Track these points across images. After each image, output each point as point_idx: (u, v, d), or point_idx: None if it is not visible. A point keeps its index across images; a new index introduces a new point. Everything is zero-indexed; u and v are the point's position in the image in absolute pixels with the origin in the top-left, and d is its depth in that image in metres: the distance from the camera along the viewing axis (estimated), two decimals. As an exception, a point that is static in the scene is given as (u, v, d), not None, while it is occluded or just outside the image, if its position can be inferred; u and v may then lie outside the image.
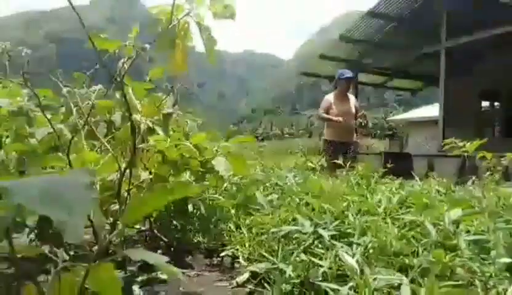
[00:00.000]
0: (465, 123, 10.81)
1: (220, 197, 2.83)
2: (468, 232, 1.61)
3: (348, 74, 5.44)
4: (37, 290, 0.67)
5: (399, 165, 3.58)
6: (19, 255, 0.96)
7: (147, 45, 1.32)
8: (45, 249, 0.84)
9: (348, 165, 2.99)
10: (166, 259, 0.59)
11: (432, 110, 20.26)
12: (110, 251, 1.55)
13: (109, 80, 1.58)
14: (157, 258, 0.59)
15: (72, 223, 0.39)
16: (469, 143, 1.84)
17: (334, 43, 11.61)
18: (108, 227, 1.66)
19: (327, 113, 5.39)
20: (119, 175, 1.63)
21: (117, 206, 1.60)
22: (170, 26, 1.32)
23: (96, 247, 0.86)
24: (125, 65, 1.39)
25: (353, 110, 5.44)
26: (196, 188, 0.68)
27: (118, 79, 1.37)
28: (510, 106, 12.62)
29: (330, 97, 5.49)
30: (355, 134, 5.54)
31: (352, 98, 5.56)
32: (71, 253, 1.95)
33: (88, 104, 1.77)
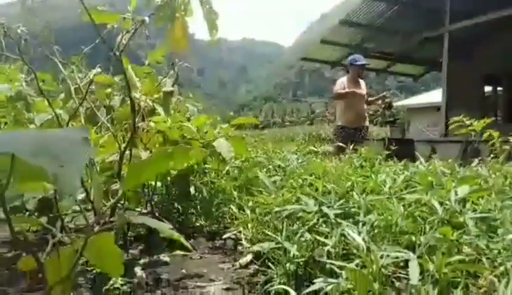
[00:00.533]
0: (468, 108, 10.68)
1: (222, 181, 2.81)
2: (474, 210, 1.58)
3: (361, 60, 5.41)
4: (36, 261, 0.64)
5: (402, 149, 3.55)
6: (21, 238, 0.94)
7: (146, 18, 1.28)
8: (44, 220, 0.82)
9: (351, 147, 2.95)
10: (169, 225, 0.57)
11: (433, 96, 20.09)
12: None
13: (108, 57, 1.54)
14: (159, 224, 0.57)
15: (68, 174, 0.36)
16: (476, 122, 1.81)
17: (335, 29, 11.42)
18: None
19: None
20: (119, 156, 1.60)
21: (117, 186, 1.58)
22: (169, -1, 1.28)
23: (97, 228, 0.83)
24: (123, 40, 1.35)
25: (365, 94, 5.43)
26: (197, 153, 0.65)
27: (117, 53, 1.32)
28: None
29: (343, 80, 5.47)
30: (367, 119, 5.53)
31: (363, 83, 5.54)
32: (72, 236, 1.93)
33: (86, 82, 1.73)
